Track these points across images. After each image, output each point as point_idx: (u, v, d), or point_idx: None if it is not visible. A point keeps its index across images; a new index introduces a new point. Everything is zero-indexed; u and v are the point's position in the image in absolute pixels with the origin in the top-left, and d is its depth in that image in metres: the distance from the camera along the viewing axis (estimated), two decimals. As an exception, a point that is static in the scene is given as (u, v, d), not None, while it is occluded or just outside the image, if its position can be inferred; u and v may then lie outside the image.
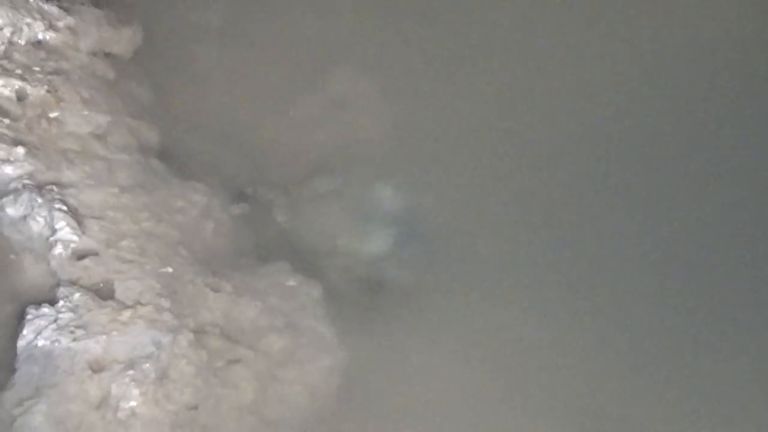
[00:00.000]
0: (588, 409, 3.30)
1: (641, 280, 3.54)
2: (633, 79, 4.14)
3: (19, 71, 3.10)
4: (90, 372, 2.67)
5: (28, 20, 3.20)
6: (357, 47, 3.73)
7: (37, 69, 3.15)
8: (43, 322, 2.74)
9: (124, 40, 3.34)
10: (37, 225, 2.86)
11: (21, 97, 3.05)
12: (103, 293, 2.80)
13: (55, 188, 2.93)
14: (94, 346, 2.70)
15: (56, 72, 3.17)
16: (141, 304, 2.80)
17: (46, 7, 3.25)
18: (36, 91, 3.08)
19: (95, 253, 2.85)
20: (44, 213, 2.85)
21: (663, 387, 3.56)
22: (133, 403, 2.67)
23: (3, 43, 3.14)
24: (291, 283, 3.06)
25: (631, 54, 4.26)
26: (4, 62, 3.11)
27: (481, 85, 3.69)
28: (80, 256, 2.84)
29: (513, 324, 3.21)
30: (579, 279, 3.41)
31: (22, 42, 3.18)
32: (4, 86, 3.06)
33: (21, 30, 3.18)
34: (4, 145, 2.95)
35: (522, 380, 3.16)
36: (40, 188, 2.91)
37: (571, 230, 3.47)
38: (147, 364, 2.72)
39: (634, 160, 3.78)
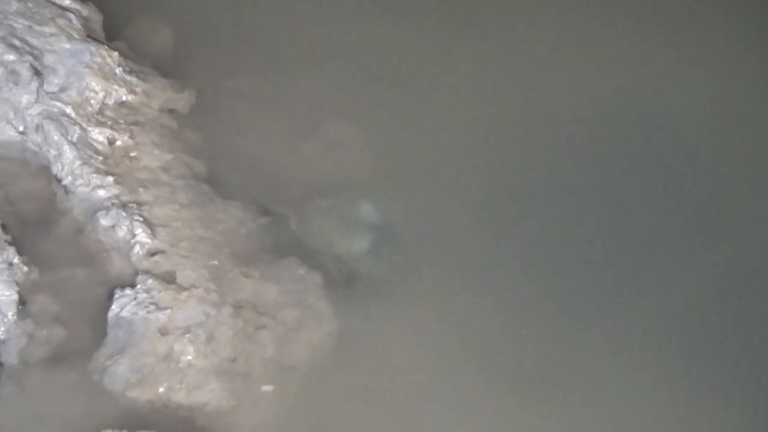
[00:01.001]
0: (525, 367, 3.33)
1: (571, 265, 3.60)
2: (563, 115, 3.96)
3: (109, 123, 3.39)
4: (159, 335, 3.00)
5: (116, 87, 3.47)
6: (345, 105, 3.85)
7: (121, 121, 3.43)
8: (126, 300, 3.05)
9: (182, 101, 3.59)
10: (122, 231, 3.18)
11: (111, 141, 3.37)
12: (168, 279, 3.12)
13: (134, 205, 3.24)
14: (161, 317, 3.02)
15: (135, 123, 3.45)
16: (195, 287, 3.10)
17: (128, 77, 3.51)
18: (121, 137, 3.39)
19: (163, 252, 3.17)
20: (127, 223, 3.19)
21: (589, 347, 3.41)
22: (189, 357, 2.98)
23: (98, 103, 3.41)
24: (300, 272, 3.27)
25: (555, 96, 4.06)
26: (99, 116, 3.39)
27: (437, 130, 3.80)
28: (152, 253, 3.17)
29: (463, 303, 3.37)
30: (517, 269, 3.49)
31: (111, 102, 3.45)
32: (99, 133, 3.36)
33: (111, 94, 3.45)
34: (99, 176, 3.28)
35: (468, 343, 3.29)
36: (124, 206, 3.23)
37: (512, 235, 3.58)
38: (199, 329, 3.01)
39: (574, 171, 3.82)
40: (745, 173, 3.95)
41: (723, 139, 3.97)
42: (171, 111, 3.57)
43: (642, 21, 4.35)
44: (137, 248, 3.15)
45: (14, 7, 3.51)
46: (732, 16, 4.46)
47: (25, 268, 3.03)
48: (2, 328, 2.94)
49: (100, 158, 3.33)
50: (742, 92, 4.15)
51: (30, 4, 3.57)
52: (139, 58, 3.67)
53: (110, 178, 3.28)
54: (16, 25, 3.48)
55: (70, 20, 3.55)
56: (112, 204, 3.23)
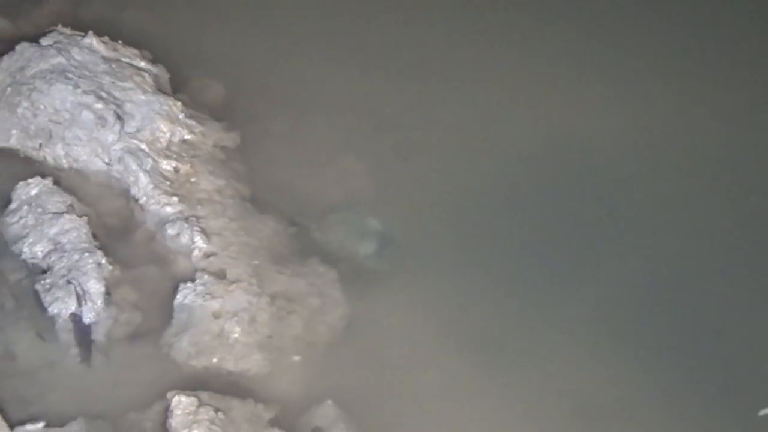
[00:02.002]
0: (489, 340, 3.39)
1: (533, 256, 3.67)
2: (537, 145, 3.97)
3: (174, 156, 3.46)
4: (213, 318, 3.13)
5: (179, 128, 3.52)
6: (353, 142, 3.84)
7: (184, 154, 3.50)
8: (187, 291, 3.16)
9: (231, 139, 3.67)
10: (185, 238, 3.29)
11: (176, 170, 3.45)
12: (220, 275, 3.22)
13: (194, 219, 3.34)
14: (215, 304, 3.14)
15: (194, 156, 3.52)
16: (240, 281, 3.21)
17: (189, 121, 3.57)
18: (184, 167, 3.46)
19: (215, 254, 3.28)
20: (188, 232, 3.29)
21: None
22: (236, 335, 3.10)
23: (166, 141, 3.48)
24: (320, 269, 3.39)
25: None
26: (166, 151, 3.47)
27: (425, 161, 3.84)
28: (207, 255, 3.27)
29: (445, 293, 3.46)
30: (488, 266, 3.58)
31: (176, 140, 3.51)
32: (167, 164, 3.44)
33: (175, 133, 3.53)
34: (167, 196, 3.38)
35: (449, 323, 3.38)
36: (186, 219, 3.34)
37: (483, 240, 3.67)
38: (244, 313, 3.13)
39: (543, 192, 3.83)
40: (662, 192, 3.90)
41: (642, 167, 3.97)
42: (222, 147, 3.64)
43: (584, 71, 4.28)
44: (196, 251, 3.26)
45: (101, 68, 3.56)
46: (662, 61, 4.43)
47: (110, 267, 3.14)
48: (93, 313, 3.05)
49: (168, 183, 3.41)
50: (665, 128, 4.12)
51: (113, 65, 3.61)
52: (198, 106, 3.72)
53: (175, 198, 3.38)
54: (103, 81, 3.53)
55: (144, 77, 3.60)
56: (177, 218, 3.34)
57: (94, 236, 3.21)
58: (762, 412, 3.21)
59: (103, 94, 3.50)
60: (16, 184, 3.32)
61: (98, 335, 3.06)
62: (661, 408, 3.29)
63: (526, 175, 3.88)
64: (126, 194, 3.42)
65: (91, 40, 3.63)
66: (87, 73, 3.54)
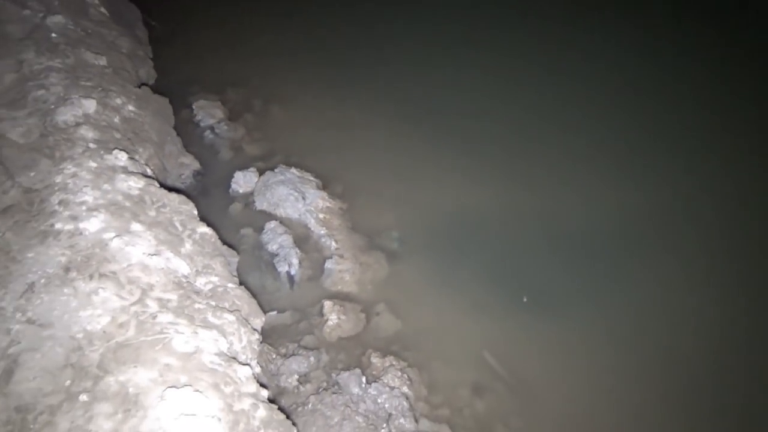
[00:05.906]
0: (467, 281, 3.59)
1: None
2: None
3: (324, 212, 3.84)
4: (339, 272, 3.62)
5: (326, 202, 3.93)
6: (393, 208, 3.97)
7: (327, 211, 3.89)
8: (330, 262, 3.66)
9: (345, 205, 3.99)
10: (327, 243, 3.75)
11: (324, 218, 3.84)
12: (341, 256, 3.68)
13: (331, 235, 3.80)
14: (339, 266, 3.64)
15: (331, 212, 3.90)
16: (348, 259, 3.68)
17: (329, 198, 3.91)
18: (327, 216, 3.86)
19: (339, 248, 3.73)
20: (329, 240, 3.76)
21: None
22: (347, 278, 3.62)
23: (321, 207, 3.87)
24: (378, 253, 3.78)
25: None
26: (321, 210, 3.87)
27: (420, 218, 4.01)
28: (335, 248, 3.73)
29: (435, 264, 3.70)
30: (457, 257, 3.78)
31: (324, 206, 3.88)
32: (321, 215, 3.83)
33: (324, 204, 3.86)
34: (321, 227, 3.80)
35: (437, 275, 3.67)
36: (328, 236, 3.77)
37: (460, 246, 3.83)
38: (350, 270, 3.67)
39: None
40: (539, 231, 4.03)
41: (533, 224, 4.10)
42: (341, 208, 4.02)
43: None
44: (332, 247, 3.75)
45: (296, 180, 3.96)
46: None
47: (301, 253, 3.66)
48: (294, 270, 3.54)
49: (321, 222, 3.88)
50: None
51: (301, 178, 4.02)
52: (333, 194, 4.09)
53: (325, 227, 3.85)
54: (297, 185, 3.97)
55: (312, 183, 4.03)
56: (325, 235, 3.82)
57: (294, 242, 3.70)
58: (524, 299, 3.72)
59: (298, 190, 3.96)
60: (265, 223, 3.80)
61: (296, 279, 3.58)
62: (513, 305, 3.71)
63: (471, 219, 4.04)
64: (306, 227, 3.87)
65: (293, 169, 4.08)
66: (291, 183, 3.98)
